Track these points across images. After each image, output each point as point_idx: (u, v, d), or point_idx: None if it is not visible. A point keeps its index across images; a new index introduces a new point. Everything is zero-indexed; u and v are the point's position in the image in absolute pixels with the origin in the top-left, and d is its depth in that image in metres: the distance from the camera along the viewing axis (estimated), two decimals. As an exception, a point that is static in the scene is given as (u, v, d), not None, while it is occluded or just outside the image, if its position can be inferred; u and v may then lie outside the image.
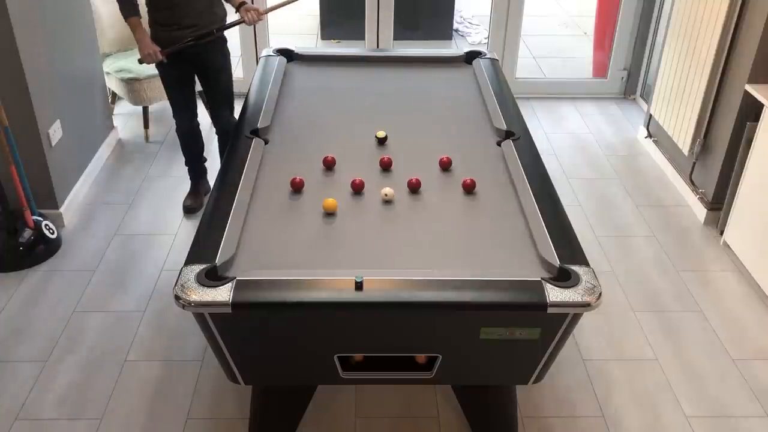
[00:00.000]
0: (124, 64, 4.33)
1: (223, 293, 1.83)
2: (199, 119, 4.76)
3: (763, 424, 2.57)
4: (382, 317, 1.95)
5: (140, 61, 3.32)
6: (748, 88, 3.29)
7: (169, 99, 3.58)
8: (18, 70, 3.17)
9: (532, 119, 4.78)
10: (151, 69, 4.27)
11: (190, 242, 2.06)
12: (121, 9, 3.25)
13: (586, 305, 1.84)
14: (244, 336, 1.96)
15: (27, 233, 3.30)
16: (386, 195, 2.34)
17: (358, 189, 2.38)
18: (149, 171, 4.13)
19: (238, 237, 2.11)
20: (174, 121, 3.65)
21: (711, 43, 3.60)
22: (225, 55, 3.47)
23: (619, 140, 4.60)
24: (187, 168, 3.82)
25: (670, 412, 2.61)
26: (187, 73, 3.48)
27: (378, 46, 4.97)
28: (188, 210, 3.73)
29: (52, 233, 3.40)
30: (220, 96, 3.55)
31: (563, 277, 1.92)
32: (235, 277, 1.88)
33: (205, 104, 4.70)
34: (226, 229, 2.10)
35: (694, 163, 3.84)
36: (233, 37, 5.13)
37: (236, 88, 4.91)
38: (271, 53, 3.47)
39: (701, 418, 2.59)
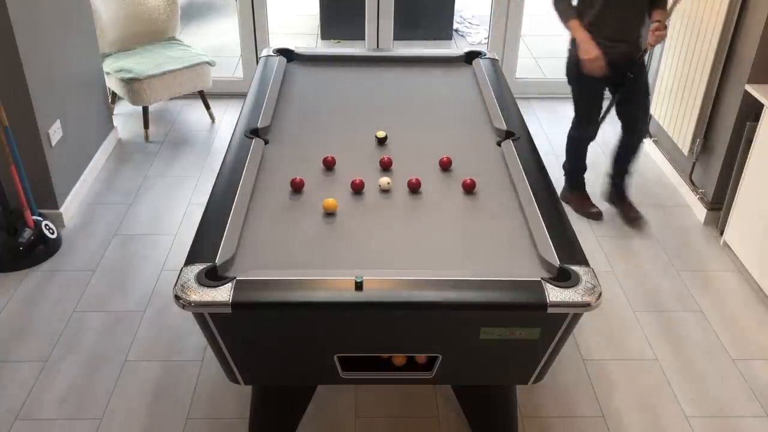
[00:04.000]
0: (124, 64, 4.33)
1: (223, 293, 1.83)
2: (207, 120, 4.78)
3: (763, 424, 2.57)
4: (382, 317, 1.95)
5: (583, 71, 3.32)
6: (748, 88, 3.29)
7: (578, 108, 3.57)
8: (18, 70, 3.17)
9: (532, 119, 4.78)
10: (151, 69, 4.29)
11: (190, 242, 2.06)
12: (560, 14, 3.32)
13: (586, 305, 1.84)
14: (244, 336, 1.96)
15: (27, 233, 3.31)
16: (387, 184, 2.37)
17: (358, 189, 2.38)
18: (149, 171, 4.13)
19: (238, 237, 2.11)
20: (571, 130, 3.67)
21: (711, 43, 3.60)
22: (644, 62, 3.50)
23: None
24: (569, 177, 3.87)
25: (670, 412, 2.62)
26: (605, 84, 3.46)
27: (378, 46, 4.97)
28: (595, 216, 3.75)
29: (52, 233, 3.40)
30: (641, 95, 3.49)
31: (563, 277, 1.92)
32: (235, 277, 1.88)
33: (205, 104, 4.70)
34: (226, 229, 2.10)
35: (694, 163, 3.84)
36: (233, 38, 5.15)
37: (236, 88, 4.96)
38: (271, 53, 3.47)
39: (701, 418, 2.59)
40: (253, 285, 1.87)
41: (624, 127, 3.59)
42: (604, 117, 3.52)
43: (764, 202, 3.14)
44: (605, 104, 3.54)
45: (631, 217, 3.69)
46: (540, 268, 2.02)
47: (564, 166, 3.85)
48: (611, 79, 3.41)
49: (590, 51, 3.26)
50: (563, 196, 3.85)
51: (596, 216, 3.73)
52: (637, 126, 3.56)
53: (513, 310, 1.89)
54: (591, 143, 3.70)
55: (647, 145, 4.47)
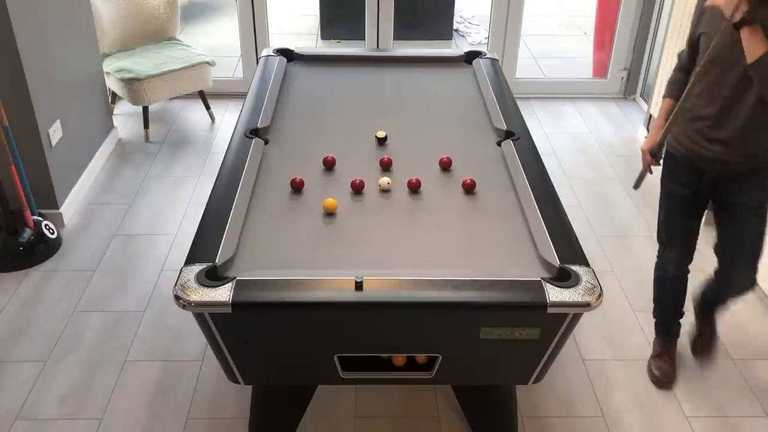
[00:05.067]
0: (124, 64, 4.33)
1: (223, 293, 1.83)
2: (207, 120, 4.75)
3: (763, 424, 2.57)
4: (382, 317, 1.95)
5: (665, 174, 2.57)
6: (748, 88, 3.28)
7: (658, 225, 2.67)
8: (18, 70, 3.17)
9: (532, 119, 4.78)
10: (151, 69, 4.29)
11: (190, 242, 2.06)
12: (666, 86, 2.58)
13: (586, 305, 1.84)
14: (244, 336, 1.96)
15: (27, 233, 3.31)
16: (387, 184, 2.38)
17: (358, 189, 2.38)
18: (149, 171, 4.13)
19: (238, 237, 2.11)
20: (658, 259, 2.72)
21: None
22: (766, 190, 2.39)
23: (619, 140, 4.60)
24: (655, 321, 2.84)
25: (670, 412, 2.62)
26: (699, 198, 2.53)
27: (378, 46, 4.97)
28: (657, 382, 2.73)
29: (52, 233, 3.40)
30: (741, 246, 2.48)
31: (563, 277, 1.92)
32: (235, 277, 1.88)
33: (205, 104, 4.70)
34: (226, 229, 2.10)
35: (694, 163, 3.82)
36: (233, 38, 5.15)
37: (236, 88, 4.96)
38: (271, 53, 3.46)
39: (701, 418, 2.59)
40: (253, 285, 1.87)
41: (717, 270, 2.61)
42: (637, 183, 2.61)
43: (764, 202, 3.13)
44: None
45: (704, 354, 2.78)
46: (540, 268, 2.02)
47: (653, 313, 2.84)
48: (699, 192, 2.51)
49: (646, 140, 2.54)
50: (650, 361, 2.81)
51: (659, 382, 2.72)
52: (729, 279, 2.55)
53: (513, 310, 1.89)
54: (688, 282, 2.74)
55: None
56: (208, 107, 4.72)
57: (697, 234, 2.61)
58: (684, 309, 2.75)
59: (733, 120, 2.26)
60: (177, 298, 1.83)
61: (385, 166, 2.53)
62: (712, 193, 2.48)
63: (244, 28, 4.87)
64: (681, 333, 2.82)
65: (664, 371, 2.73)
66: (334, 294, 1.86)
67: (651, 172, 2.54)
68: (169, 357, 2.81)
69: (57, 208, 3.56)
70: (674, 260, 2.64)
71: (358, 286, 1.85)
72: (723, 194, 2.45)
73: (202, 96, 4.68)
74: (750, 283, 2.51)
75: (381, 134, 2.71)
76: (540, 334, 1.93)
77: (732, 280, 2.53)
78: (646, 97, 4.95)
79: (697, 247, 2.65)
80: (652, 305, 2.81)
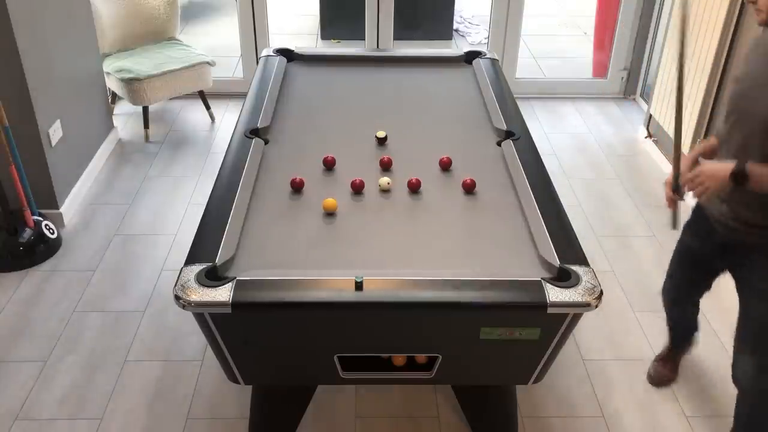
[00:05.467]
0: (124, 64, 4.32)
1: (223, 293, 1.83)
2: (207, 120, 4.75)
3: (763, 424, 2.57)
4: (382, 317, 1.95)
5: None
6: (748, 88, 3.28)
7: (669, 264, 2.54)
8: (18, 70, 3.17)
9: (532, 119, 4.78)
10: (151, 69, 4.29)
11: (190, 242, 2.07)
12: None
13: (586, 305, 1.84)
14: (244, 336, 1.96)
15: (27, 233, 3.31)
16: (387, 184, 2.38)
17: (358, 189, 2.38)
18: (149, 171, 4.13)
19: (238, 237, 2.11)
20: (664, 283, 2.60)
21: (711, 43, 3.60)
22: None
23: (619, 140, 4.60)
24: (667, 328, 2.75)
25: (670, 412, 2.62)
26: (709, 259, 2.32)
27: (378, 46, 4.97)
28: (653, 382, 2.73)
29: (52, 233, 3.40)
30: (743, 328, 2.19)
31: (563, 277, 1.92)
32: (235, 277, 1.88)
33: (205, 104, 4.70)
34: (226, 229, 2.10)
35: (694, 163, 3.82)
36: (233, 38, 5.15)
37: (236, 88, 4.96)
38: (271, 53, 3.46)
39: (701, 418, 2.59)
40: (253, 285, 1.87)
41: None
42: (674, 222, 2.23)
43: (764, 202, 3.13)
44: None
45: None
46: (540, 268, 2.02)
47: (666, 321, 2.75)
48: (708, 254, 2.30)
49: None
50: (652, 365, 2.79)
51: (654, 383, 2.72)
52: (733, 362, 2.25)
53: (513, 310, 1.89)
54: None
55: (647, 145, 4.47)
56: (208, 107, 4.72)
57: (706, 289, 2.47)
58: (698, 323, 2.67)
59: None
60: (177, 298, 1.83)
61: (385, 166, 2.53)
62: (723, 261, 2.26)
63: (244, 28, 4.87)
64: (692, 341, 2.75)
65: (662, 374, 2.73)
66: (333, 294, 1.86)
67: (673, 208, 2.22)
68: (169, 357, 2.81)
69: (57, 208, 3.56)
70: (673, 296, 2.59)
71: (358, 286, 1.85)
72: (732, 265, 2.21)
73: (202, 96, 4.68)
74: (751, 383, 2.18)
75: (381, 134, 2.71)
76: (540, 334, 1.93)
77: (733, 364, 2.24)
78: (646, 97, 4.95)
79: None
80: (652, 305, 2.81)
